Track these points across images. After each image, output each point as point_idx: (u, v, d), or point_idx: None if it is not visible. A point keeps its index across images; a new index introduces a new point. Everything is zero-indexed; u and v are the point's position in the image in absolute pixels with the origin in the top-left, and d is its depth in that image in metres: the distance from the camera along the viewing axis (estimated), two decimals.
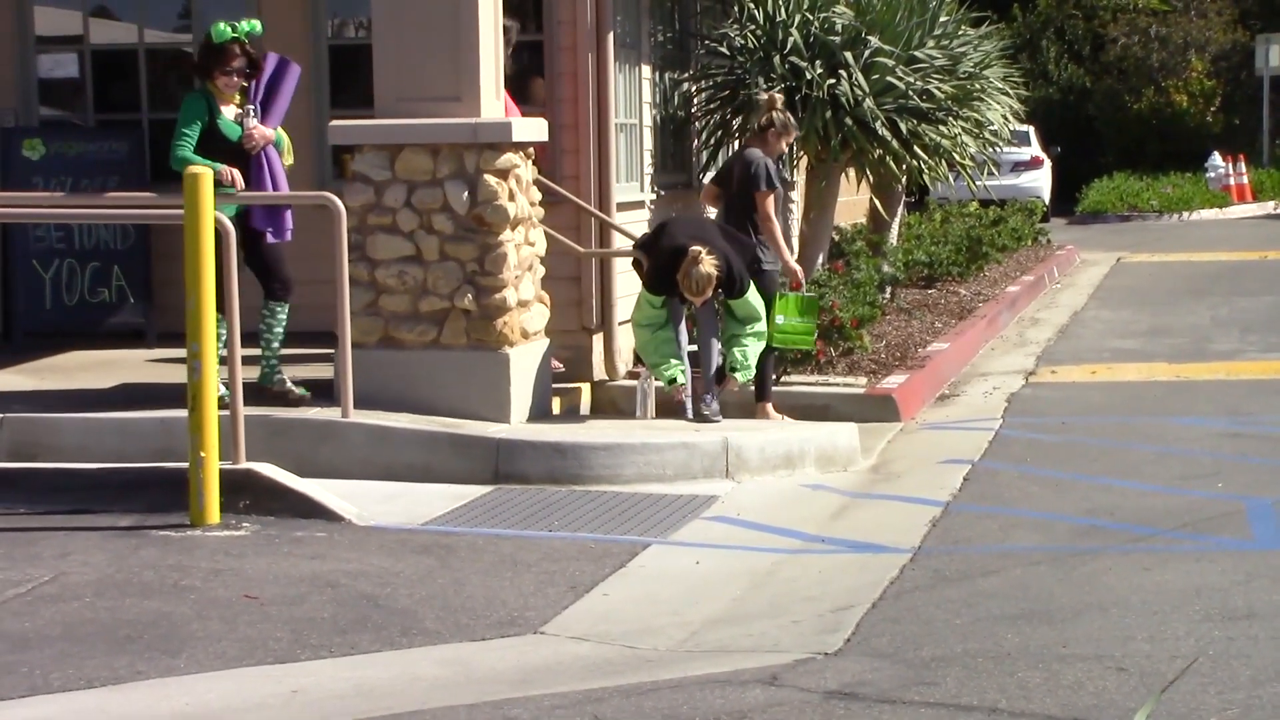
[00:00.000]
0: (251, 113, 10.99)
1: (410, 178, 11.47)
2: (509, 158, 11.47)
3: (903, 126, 16.07)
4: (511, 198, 11.49)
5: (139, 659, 7.30)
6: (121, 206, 12.20)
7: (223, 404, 9.93)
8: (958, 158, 17.25)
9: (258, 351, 11.42)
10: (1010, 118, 18.48)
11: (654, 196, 15.31)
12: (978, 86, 17.30)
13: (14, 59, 14.62)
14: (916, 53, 16.34)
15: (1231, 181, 40.55)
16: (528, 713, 6.61)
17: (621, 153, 14.36)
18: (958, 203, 25.88)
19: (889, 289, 18.17)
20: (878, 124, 15.77)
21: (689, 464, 11.06)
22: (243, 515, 9.80)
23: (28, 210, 12.27)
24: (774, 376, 12.99)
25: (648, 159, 15.17)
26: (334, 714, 6.74)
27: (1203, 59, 46.02)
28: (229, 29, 10.92)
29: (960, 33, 17.54)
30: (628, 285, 13.35)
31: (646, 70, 15.20)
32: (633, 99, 14.85)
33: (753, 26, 16.08)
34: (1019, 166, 35.74)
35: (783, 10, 16.06)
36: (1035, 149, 37.37)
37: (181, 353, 9.78)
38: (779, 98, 13.29)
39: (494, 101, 11.62)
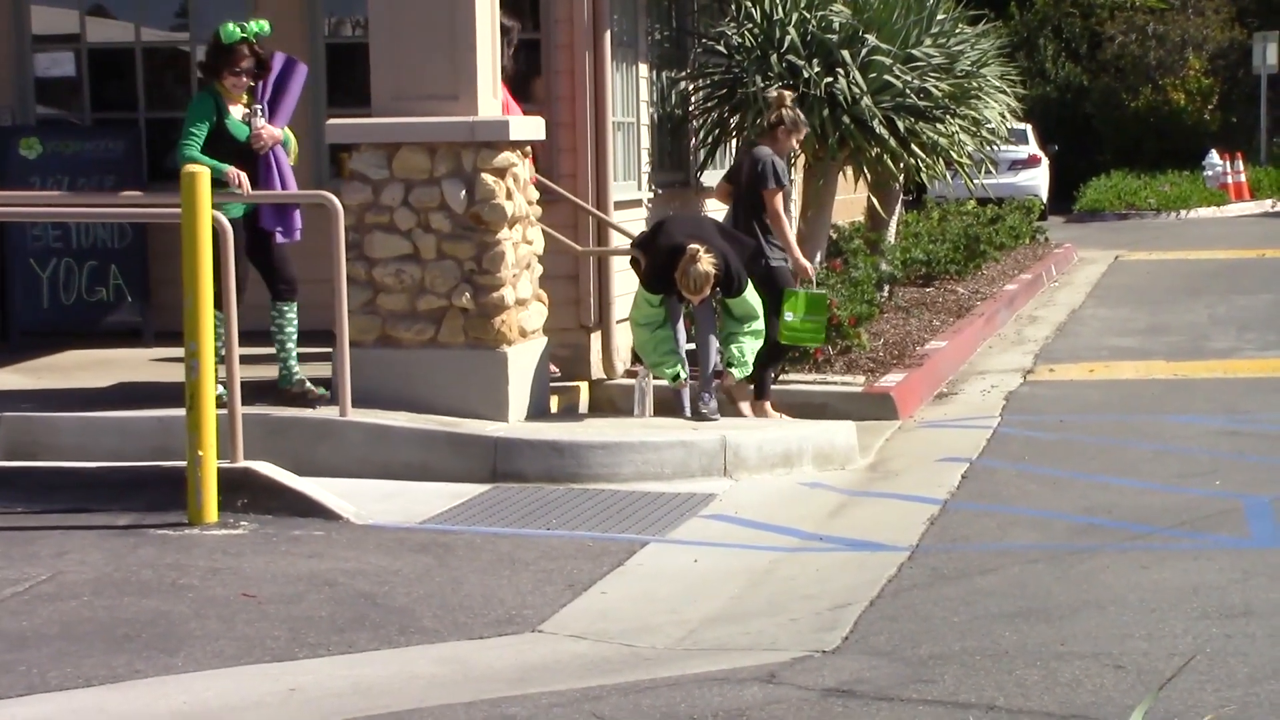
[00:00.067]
0: (259, 112, 10.99)
1: (408, 176, 11.47)
2: (506, 156, 11.47)
3: (900, 125, 16.08)
4: (509, 196, 11.49)
5: (137, 657, 7.30)
6: (119, 205, 12.21)
7: (221, 403, 9.93)
8: (955, 156, 17.26)
9: (254, 350, 11.44)
10: (1008, 116, 18.49)
11: (651, 195, 15.31)
12: (975, 85, 17.30)
13: (11, 57, 14.62)
14: (914, 51, 16.34)
15: (1229, 180, 40.57)
16: (525, 711, 6.61)
17: (619, 151, 14.36)
18: (955, 201, 25.88)
19: (887, 287, 18.18)
20: (875, 122, 15.77)
21: (687, 462, 11.06)
22: (241, 514, 9.80)
23: (25, 209, 12.26)
24: (773, 375, 12.99)
25: (645, 157, 15.17)
26: (332, 712, 6.74)
27: (1200, 57, 46.04)
28: (238, 30, 10.91)
29: (957, 31, 17.55)
30: (625, 284, 13.36)
31: (644, 68, 15.20)
32: (630, 97, 14.85)
33: (750, 25, 16.09)
34: (1017, 165, 35.75)
35: (780, 9, 16.06)
36: (1033, 147, 37.40)
37: (179, 352, 9.78)
38: (788, 95, 13.30)
39: (491, 100, 11.62)
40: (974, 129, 17.49)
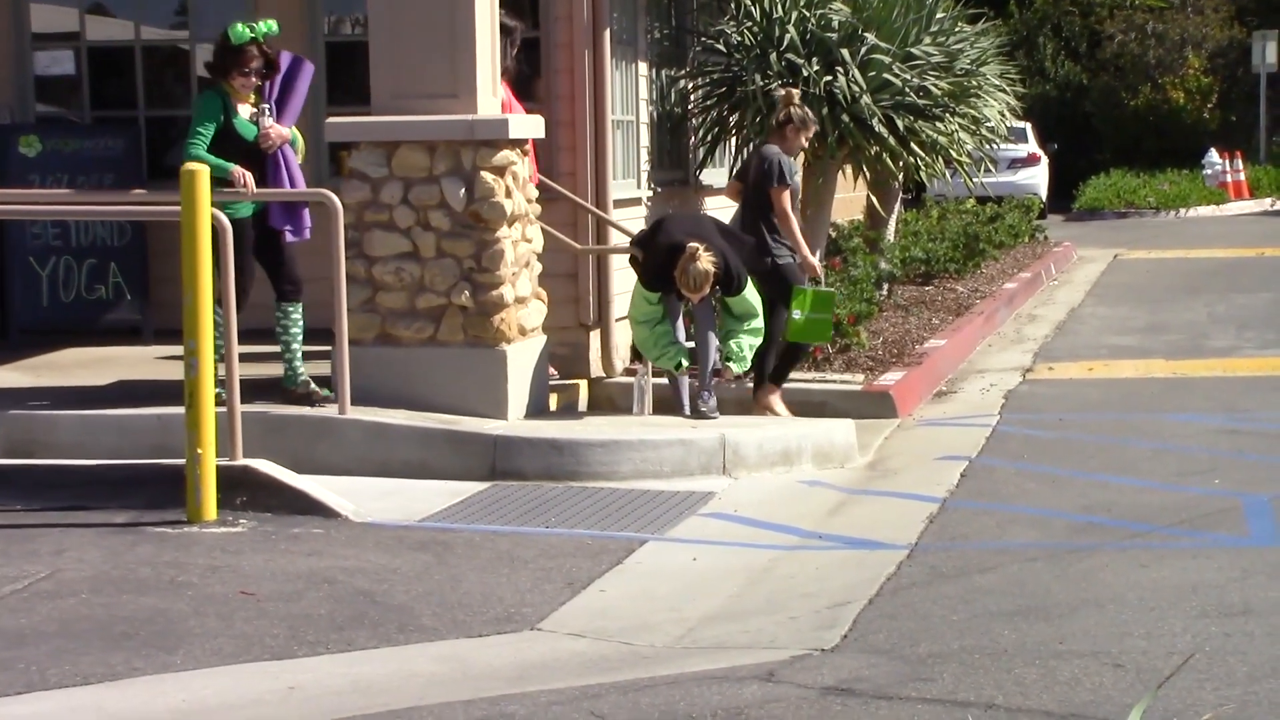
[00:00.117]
0: (267, 112, 10.98)
1: (407, 175, 11.47)
2: (506, 154, 11.47)
3: (899, 123, 16.08)
4: (508, 194, 11.49)
5: (135, 655, 7.30)
6: (118, 203, 12.20)
7: (220, 400, 9.94)
8: (954, 154, 17.27)
9: (256, 348, 11.44)
10: (1007, 114, 18.50)
11: (651, 193, 15.31)
12: (974, 83, 17.30)
13: (10, 56, 14.62)
14: (913, 49, 16.34)
15: (1228, 178, 40.56)
16: (524, 709, 6.61)
17: (618, 149, 14.37)
18: (955, 199, 25.88)
19: (886, 286, 18.18)
20: (874, 121, 15.78)
21: (686, 460, 11.06)
22: (239, 512, 9.80)
23: (24, 207, 12.26)
24: (770, 370, 13.00)
25: (644, 156, 15.17)
26: (331, 710, 6.74)
27: (1199, 56, 46.03)
28: (247, 30, 10.90)
29: (957, 29, 17.55)
30: (624, 282, 13.36)
31: (643, 67, 15.20)
32: (629, 96, 14.85)
33: (749, 23, 16.09)
34: (1016, 163, 35.75)
35: (779, 7, 16.07)
36: (1032, 146, 37.39)
37: (178, 350, 9.78)
38: (796, 93, 13.30)
39: (490, 98, 11.62)
40: (973, 127, 17.50)
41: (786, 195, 12.76)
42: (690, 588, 8.59)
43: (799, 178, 13.18)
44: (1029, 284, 22.31)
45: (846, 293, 14.84)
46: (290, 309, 11.17)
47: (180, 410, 9.68)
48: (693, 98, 16.57)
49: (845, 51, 15.78)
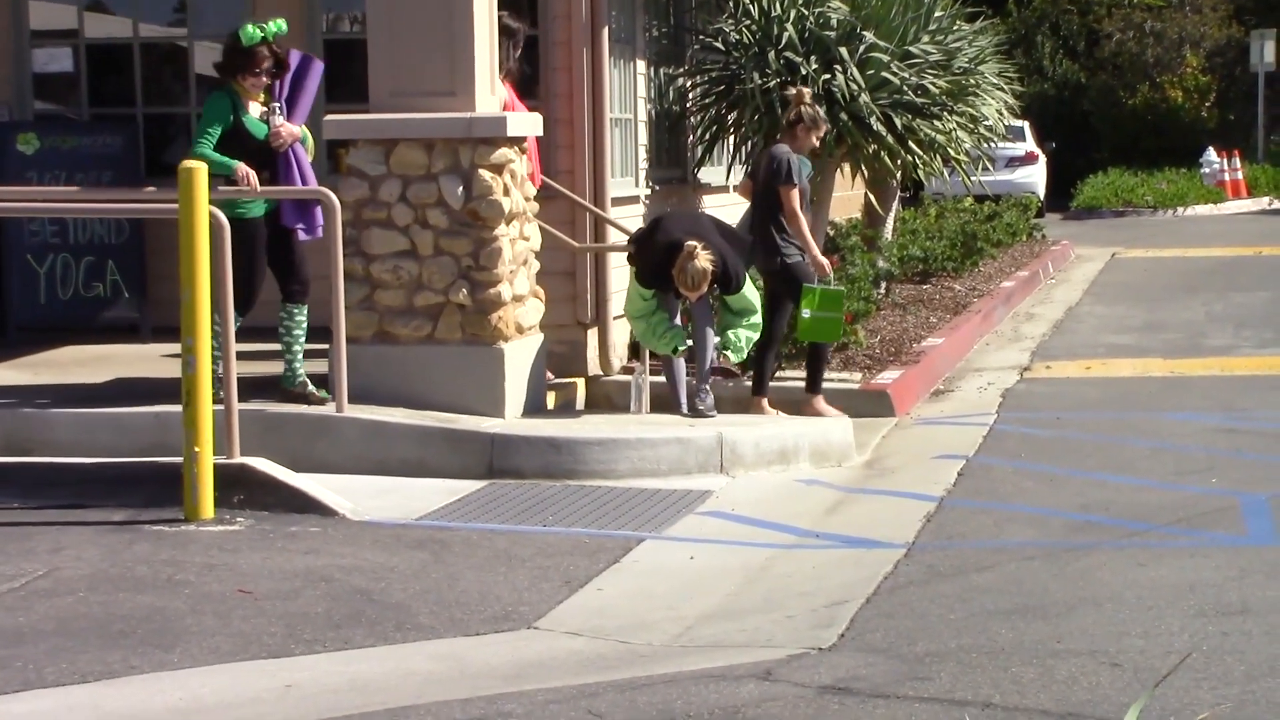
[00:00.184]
0: (277, 110, 10.97)
1: (405, 172, 11.46)
2: (504, 152, 11.46)
3: (898, 122, 16.08)
4: (506, 192, 11.48)
5: (132, 653, 7.30)
6: (117, 201, 12.19)
7: (217, 399, 9.94)
8: (952, 153, 17.26)
9: (256, 346, 11.43)
10: (1005, 113, 18.49)
11: (649, 191, 15.32)
12: (972, 82, 17.30)
13: (9, 53, 14.61)
14: (911, 48, 16.34)
15: (1226, 177, 40.57)
16: (521, 708, 6.61)
17: (616, 148, 14.37)
18: (952, 198, 25.88)
19: (884, 284, 18.18)
20: (873, 119, 15.78)
21: (683, 459, 11.06)
22: (237, 510, 9.80)
23: (22, 204, 12.25)
24: (769, 372, 13.01)
25: (642, 154, 15.17)
26: (328, 709, 6.74)
27: (1197, 54, 46.03)
28: (257, 31, 10.89)
29: (955, 28, 17.55)
30: (622, 280, 13.35)
31: (641, 65, 15.20)
32: (628, 94, 14.85)
33: (748, 21, 16.09)
34: (1014, 162, 35.74)
35: (778, 5, 16.07)
36: (1030, 144, 37.38)
37: (176, 348, 9.77)
38: (807, 92, 13.30)
39: (489, 96, 11.61)
40: (971, 126, 17.49)
41: (795, 195, 12.75)
42: (688, 586, 8.59)
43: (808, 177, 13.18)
44: (1027, 283, 22.31)
45: (844, 291, 14.83)
46: (295, 310, 11.16)
47: (178, 408, 9.68)
48: (691, 96, 16.57)
49: (843, 50, 15.78)
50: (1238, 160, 41.16)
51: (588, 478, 10.81)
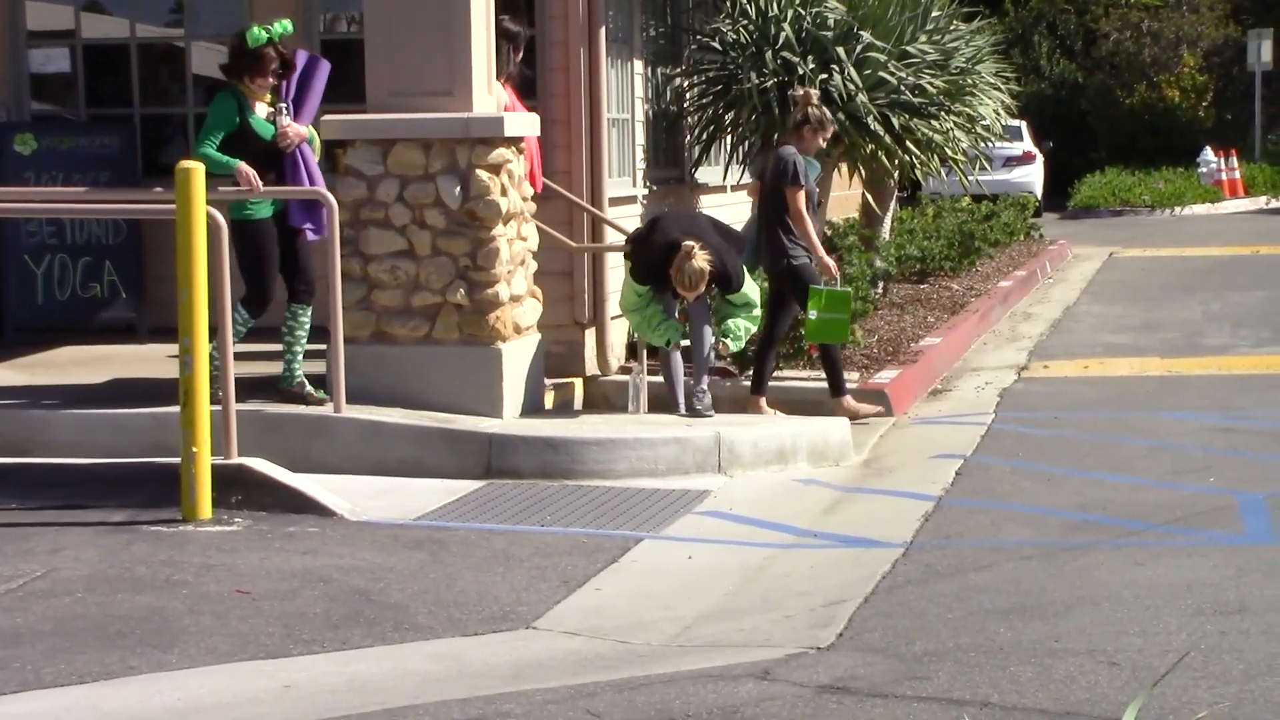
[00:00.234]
0: (284, 111, 10.97)
1: (402, 172, 11.46)
2: (501, 153, 11.46)
3: (895, 121, 16.09)
4: (504, 192, 11.48)
5: (131, 654, 7.30)
6: (114, 201, 12.19)
7: (219, 398, 9.95)
8: (950, 153, 17.27)
9: (254, 347, 11.43)
10: (1002, 113, 18.50)
11: (646, 191, 15.32)
12: (970, 81, 17.31)
13: (5, 54, 14.60)
14: (908, 48, 16.35)
15: (1223, 176, 40.58)
16: (520, 707, 6.61)
17: (614, 148, 14.37)
18: (950, 198, 25.87)
19: (881, 284, 18.18)
20: (870, 119, 15.78)
21: (681, 459, 11.06)
22: (235, 510, 9.79)
23: (20, 205, 12.25)
24: (768, 372, 13.01)
25: (640, 154, 15.17)
26: (326, 709, 6.74)
27: (1195, 54, 46.03)
28: (263, 33, 10.89)
29: (952, 28, 17.56)
30: (620, 280, 13.35)
31: (639, 65, 15.20)
32: (625, 94, 14.85)
33: (745, 21, 16.10)
34: (1011, 161, 35.74)
35: (775, 5, 16.08)
36: (1027, 144, 37.38)
37: (174, 348, 9.77)
38: (814, 93, 13.31)
39: (486, 96, 11.61)
40: (969, 125, 17.50)
41: (801, 196, 12.76)
42: (686, 586, 8.59)
43: (815, 179, 13.19)
44: (1024, 282, 22.32)
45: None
46: (300, 310, 11.15)
47: (176, 409, 9.68)
48: (688, 96, 16.57)
49: (841, 50, 15.78)
50: (1235, 159, 41.17)
51: (586, 478, 10.81)
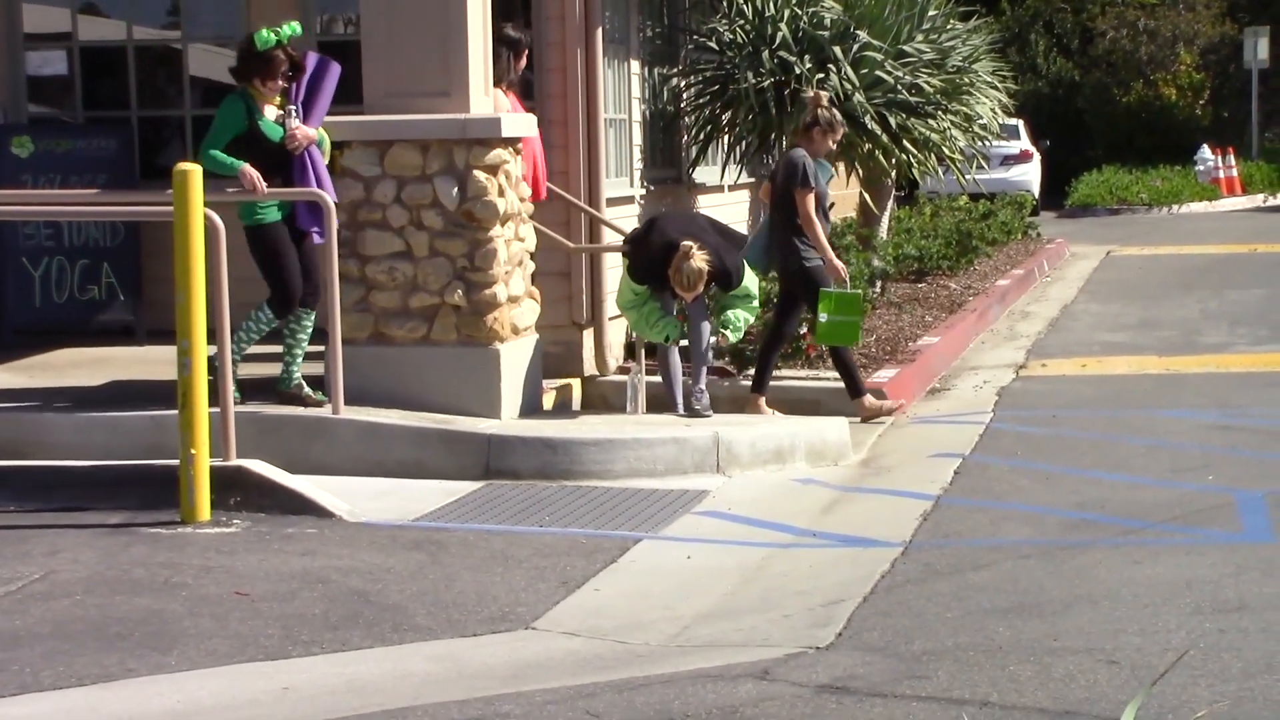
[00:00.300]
0: (293, 113, 10.96)
1: (400, 174, 11.46)
2: (498, 153, 11.46)
3: (892, 121, 16.09)
4: (501, 193, 11.49)
5: (130, 656, 7.30)
6: (111, 204, 12.19)
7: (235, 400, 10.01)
8: (947, 151, 17.28)
9: (253, 349, 11.44)
10: (999, 111, 18.52)
11: (643, 191, 15.32)
12: (966, 80, 17.32)
13: (2, 56, 14.59)
14: (905, 47, 16.36)
15: (1221, 174, 40.60)
16: (519, 708, 6.61)
17: (611, 148, 14.37)
18: (947, 196, 25.90)
19: (879, 283, 18.18)
20: (867, 118, 15.79)
21: (680, 459, 11.06)
22: (233, 512, 9.79)
23: (17, 208, 12.24)
24: (770, 372, 13.02)
25: (637, 154, 15.18)
26: (325, 710, 6.74)
27: (1191, 52, 46.05)
28: (272, 35, 10.88)
29: (949, 27, 17.57)
30: (618, 280, 13.35)
31: (635, 65, 15.20)
32: (622, 94, 14.85)
33: (741, 21, 16.10)
34: (1008, 160, 35.75)
35: (771, 5, 16.08)
36: (1024, 143, 37.39)
37: (172, 350, 9.77)
38: (825, 95, 13.32)
39: (483, 97, 11.61)
40: (966, 124, 17.51)
41: (811, 198, 12.76)
42: (684, 586, 8.59)
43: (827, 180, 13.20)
44: (1022, 281, 22.32)
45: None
46: (304, 313, 11.15)
47: (174, 411, 9.68)
48: (685, 96, 16.57)
49: (837, 49, 15.79)
50: (1232, 157, 41.19)
51: (584, 478, 10.81)
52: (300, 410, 11.01)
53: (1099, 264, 25.99)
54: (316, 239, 11.10)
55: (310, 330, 11.18)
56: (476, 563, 8.91)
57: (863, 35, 15.96)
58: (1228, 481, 10.55)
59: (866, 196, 19.14)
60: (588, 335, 13.77)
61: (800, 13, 16.02)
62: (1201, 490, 10.36)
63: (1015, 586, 8.29)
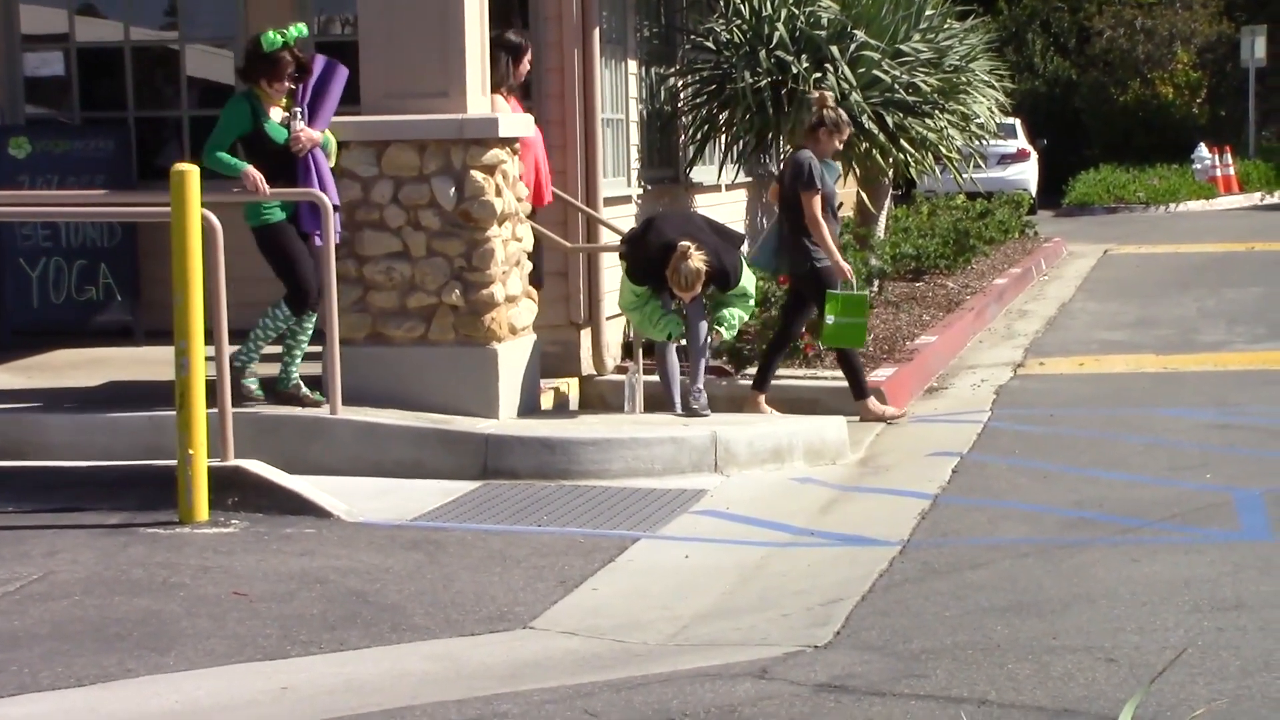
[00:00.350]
0: (298, 115, 10.96)
1: (397, 174, 11.46)
2: (496, 153, 11.46)
3: (889, 120, 16.09)
4: (498, 193, 11.49)
5: (128, 657, 7.30)
6: (109, 204, 12.18)
7: (250, 398, 10.04)
8: (944, 151, 17.28)
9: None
10: (996, 110, 18.51)
11: (641, 191, 15.32)
12: (964, 80, 17.33)
13: (0, 57, 14.59)
14: (902, 46, 16.36)
15: (1218, 173, 40.60)
16: (517, 707, 6.61)
17: (608, 148, 14.37)
18: (945, 196, 25.91)
19: (877, 282, 18.18)
20: (864, 117, 15.79)
21: (677, 458, 11.06)
22: (231, 512, 9.79)
23: (14, 209, 12.24)
24: (772, 371, 13.03)
25: (634, 154, 15.18)
26: (324, 710, 6.74)
27: (1188, 51, 46.07)
28: (279, 36, 10.88)
29: (946, 26, 17.58)
30: (615, 280, 13.36)
31: (633, 65, 15.20)
32: (619, 94, 14.86)
33: (738, 21, 16.11)
34: (1005, 159, 35.75)
35: (768, 4, 16.09)
36: (1022, 141, 37.39)
37: (169, 350, 9.77)
38: (830, 95, 13.33)
39: (480, 97, 11.61)
40: (963, 124, 17.51)
41: (817, 200, 12.77)
42: (683, 585, 8.60)
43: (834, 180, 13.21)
44: (1019, 280, 22.32)
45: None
46: (305, 317, 11.15)
47: (172, 411, 9.68)
48: (682, 96, 16.57)
49: (834, 49, 15.79)
50: (1229, 156, 41.20)
51: (582, 478, 10.81)
52: (298, 410, 11.02)
53: (1096, 263, 26.00)
54: (318, 241, 11.10)
55: (311, 331, 11.18)
56: (474, 562, 8.92)
57: (860, 35, 15.96)
58: (1225, 480, 10.56)
59: (864, 196, 19.15)
60: (585, 335, 13.77)
61: (797, 12, 16.03)
62: (1199, 489, 10.36)
63: (1013, 585, 8.30)
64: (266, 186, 10.77)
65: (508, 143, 11.66)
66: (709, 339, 12.33)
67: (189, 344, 9.52)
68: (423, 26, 11.40)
